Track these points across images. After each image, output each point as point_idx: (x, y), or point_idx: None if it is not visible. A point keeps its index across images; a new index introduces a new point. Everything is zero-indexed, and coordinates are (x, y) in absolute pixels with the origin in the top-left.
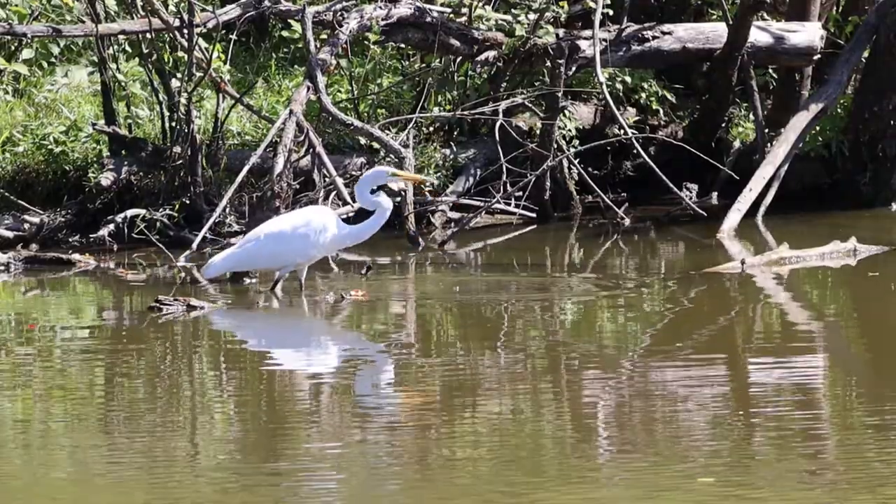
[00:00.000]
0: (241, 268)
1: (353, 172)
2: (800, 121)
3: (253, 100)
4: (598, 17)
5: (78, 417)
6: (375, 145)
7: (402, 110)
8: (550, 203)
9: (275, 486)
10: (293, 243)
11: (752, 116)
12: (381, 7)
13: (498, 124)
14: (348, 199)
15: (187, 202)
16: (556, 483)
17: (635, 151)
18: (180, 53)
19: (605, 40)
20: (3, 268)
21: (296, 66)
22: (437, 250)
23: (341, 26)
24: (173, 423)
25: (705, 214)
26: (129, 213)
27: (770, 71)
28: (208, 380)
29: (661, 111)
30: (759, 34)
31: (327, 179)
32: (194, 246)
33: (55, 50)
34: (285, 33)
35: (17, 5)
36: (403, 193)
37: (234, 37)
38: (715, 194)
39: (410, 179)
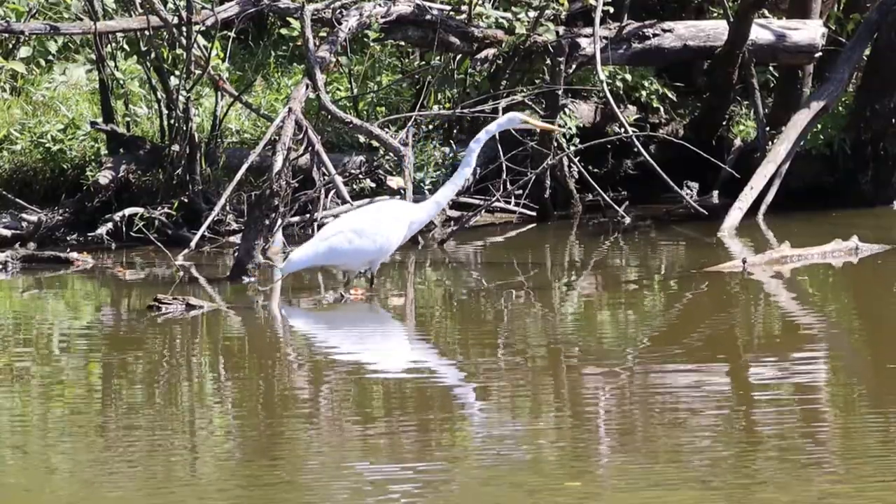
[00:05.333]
0: (321, 263)
1: (353, 171)
2: (801, 119)
3: (252, 98)
4: (598, 15)
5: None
6: (375, 143)
7: (402, 108)
8: (550, 201)
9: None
10: (377, 238)
11: (753, 114)
12: (380, 5)
13: None
14: (347, 197)
15: (186, 201)
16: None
17: (636, 150)
18: (179, 51)
19: (605, 38)
20: (0, 266)
21: (295, 64)
22: (437, 249)
23: (340, 24)
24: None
25: (706, 213)
26: (128, 211)
27: (771, 69)
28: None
29: (662, 109)
30: (760, 32)
31: (326, 178)
32: (193, 244)
33: (53, 48)
34: (284, 31)
35: (14, 3)
36: (402, 192)
37: (232, 34)
38: (716, 193)
39: (542, 128)
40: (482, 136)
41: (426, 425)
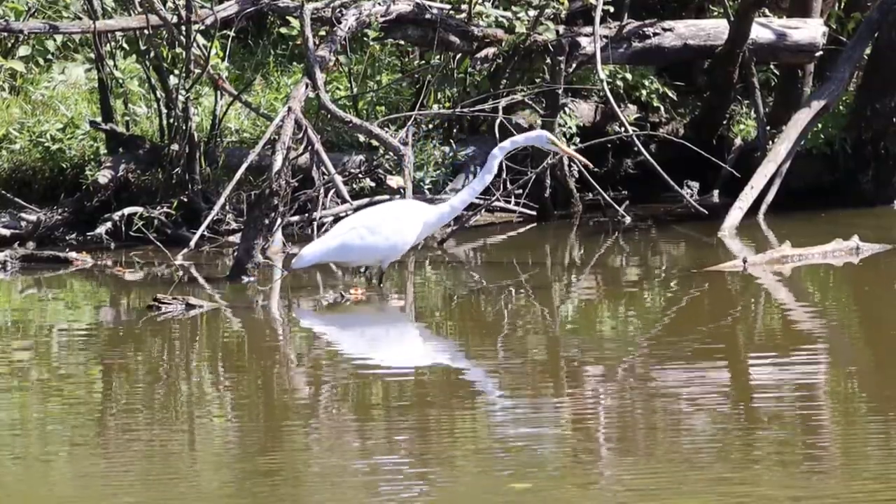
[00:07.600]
0: (332, 259)
1: (352, 170)
2: (801, 118)
3: (251, 97)
4: (598, 14)
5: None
6: (374, 143)
7: (402, 107)
8: (551, 201)
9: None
10: (390, 236)
11: (753, 114)
12: (379, 3)
13: (498, 122)
14: (346, 196)
15: (185, 200)
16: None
17: (636, 149)
18: (178, 50)
19: (605, 37)
20: None
21: (294, 63)
22: (437, 249)
23: (340, 23)
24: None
25: (706, 212)
26: (127, 210)
27: (772, 68)
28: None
29: (662, 108)
30: (761, 31)
31: (326, 177)
32: (192, 244)
33: (52, 47)
34: (283, 30)
35: (13, 2)
36: (402, 192)
37: (232, 33)
38: (716, 192)
39: (566, 153)
40: (507, 146)
41: (427, 423)
